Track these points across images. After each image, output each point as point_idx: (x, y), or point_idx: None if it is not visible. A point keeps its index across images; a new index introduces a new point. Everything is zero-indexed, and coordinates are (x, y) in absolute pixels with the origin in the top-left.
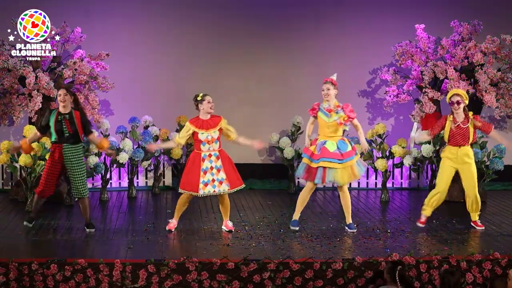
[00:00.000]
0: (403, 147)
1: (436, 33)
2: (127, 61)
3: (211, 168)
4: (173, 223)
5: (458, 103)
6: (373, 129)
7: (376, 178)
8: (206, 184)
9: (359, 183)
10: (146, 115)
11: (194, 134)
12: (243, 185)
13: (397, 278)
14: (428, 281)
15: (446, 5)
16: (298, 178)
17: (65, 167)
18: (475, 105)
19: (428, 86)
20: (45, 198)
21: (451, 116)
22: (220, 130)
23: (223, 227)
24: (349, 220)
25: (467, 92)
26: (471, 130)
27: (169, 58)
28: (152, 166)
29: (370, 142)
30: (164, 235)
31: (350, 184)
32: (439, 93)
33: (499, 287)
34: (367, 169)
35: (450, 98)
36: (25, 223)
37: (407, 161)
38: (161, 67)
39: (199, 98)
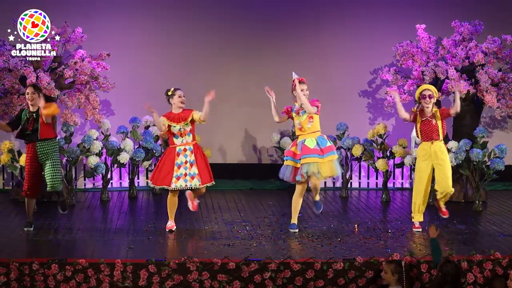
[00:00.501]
0: (403, 147)
1: (437, 33)
2: (128, 61)
3: (185, 162)
4: (170, 224)
5: (430, 97)
6: (374, 129)
7: (376, 178)
8: (178, 178)
9: (360, 183)
10: (146, 115)
11: (167, 128)
12: (213, 182)
13: (404, 276)
14: (429, 281)
15: (447, 5)
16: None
17: (41, 164)
18: (476, 105)
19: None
20: (34, 199)
21: (420, 110)
22: (192, 122)
23: (189, 204)
24: (316, 197)
25: (468, 92)
26: (439, 124)
27: (170, 58)
28: (153, 166)
29: (371, 142)
30: (165, 235)
31: (350, 184)
32: (440, 93)
33: (499, 287)
34: (368, 168)
35: (421, 92)
36: (25, 229)
37: (408, 161)
38: (162, 67)
39: (169, 93)
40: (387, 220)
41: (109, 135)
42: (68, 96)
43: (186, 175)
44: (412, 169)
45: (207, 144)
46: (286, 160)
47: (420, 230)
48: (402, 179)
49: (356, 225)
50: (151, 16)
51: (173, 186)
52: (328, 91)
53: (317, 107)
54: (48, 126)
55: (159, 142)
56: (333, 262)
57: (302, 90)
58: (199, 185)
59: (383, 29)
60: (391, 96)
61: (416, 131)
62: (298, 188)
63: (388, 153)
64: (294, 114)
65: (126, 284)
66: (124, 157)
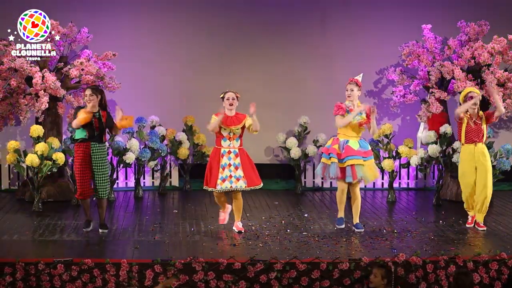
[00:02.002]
0: (409, 147)
1: (443, 33)
2: (133, 61)
3: (229, 165)
4: (222, 216)
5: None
6: (379, 130)
7: (382, 178)
8: (223, 180)
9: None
10: (152, 115)
11: (218, 128)
12: (261, 184)
13: (393, 281)
14: (434, 281)
15: (452, 5)
16: (324, 179)
17: (92, 165)
18: (482, 105)
19: (434, 86)
20: (87, 199)
21: (467, 113)
22: (243, 128)
23: (233, 227)
24: (356, 220)
25: None
26: (484, 127)
27: (176, 58)
28: (159, 166)
29: (377, 142)
30: (170, 235)
31: None
32: (446, 93)
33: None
34: None
35: (466, 94)
36: (84, 229)
37: (414, 161)
38: (168, 67)
39: (221, 96)
40: (393, 220)
41: (115, 135)
42: (74, 96)
43: (231, 177)
44: (418, 169)
45: (213, 144)
46: (331, 157)
47: (485, 229)
48: (408, 179)
49: (362, 225)
50: (157, 16)
51: (218, 188)
52: (333, 91)
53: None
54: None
55: (165, 142)
56: (338, 262)
57: (346, 90)
58: (245, 187)
59: (389, 29)
60: (396, 97)
61: (460, 133)
62: (343, 186)
63: (394, 153)
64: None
65: (132, 284)
66: (130, 157)
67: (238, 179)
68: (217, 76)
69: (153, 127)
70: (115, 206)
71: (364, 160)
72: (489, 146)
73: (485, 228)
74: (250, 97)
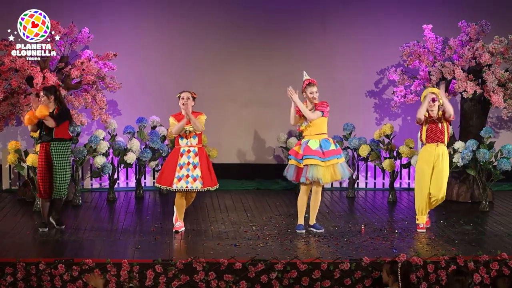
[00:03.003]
0: (410, 148)
1: (443, 34)
2: (134, 61)
3: (188, 163)
4: (178, 225)
5: (433, 100)
6: (380, 130)
7: (383, 179)
8: (180, 179)
9: (366, 183)
10: (153, 115)
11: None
12: (217, 186)
13: (399, 275)
14: (435, 281)
15: (453, 5)
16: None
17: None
18: (483, 105)
19: (435, 86)
20: (49, 199)
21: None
22: None
23: (174, 229)
24: (313, 221)
25: (475, 92)
26: (445, 126)
27: (177, 59)
28: (160, 166)
29: (377, 142)
30: (171, 235)
31: (356, 184)
32: (447, 94)
33: (501, 286)
34: (375, 169)
35: (425, 96)
36: (40, 229)
37: (415, 162)
38: (168, 67)
39: (177, 95)
40: (394, 220)
41: (116, 135)
42: (75, 96)
43: (188, 177)
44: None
45: (213, 144)
46: (290, 159)
47: (424, 231)
48: (409, 179)
49: (363, 226)
50: (157, 16)
51: (174, 186)
52: (334, 91)
53: (323, 111)
54: (63, 126)
55: (166, 142)
56: (339, 263)
57: (311, 93)
58: (201, 187)
59: (390, 29)
60: (397, 97)
61: (421, 133)
62: (303, 188)
63: (394, 153)
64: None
65: (132, 284)
66: (130, 157)
67: (195, 179)
68: (218, 76)
69: (154, 127)
70: (116, 207)
71: (321, 161)
72: (490, 146)
73: (424, 230)
74: (251, 97)
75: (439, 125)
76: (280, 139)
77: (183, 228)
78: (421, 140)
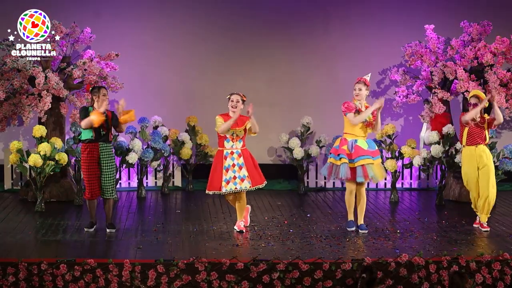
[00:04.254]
0: (412, 148)
1: (445, 34)
2: (136, 61)
3: (233, 165)
4: (242, 225)
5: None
6: (382, 130)
7: (385, 179)
8: (228, 182)
9: (368, 183)
10: (155, 115)
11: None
12: (265, 183)
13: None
14: (437, 281)
15: (455, 5)
16: (328, 179)
17: (100, 165)
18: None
19: (437, 86)
20: (95, 200)
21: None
22: (245, 130)
23: (234, 227)
24: (361, 220)
25: None
26: (486, 130)
27: (179, 59)
28: (162, 166)
29: (379, 142)
30: (173, 235)
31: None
32: (449, 94)
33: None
34: None
35: (470, 98)
36: (86, 229)
37: (417, 162)
38: (170, 67)
39: (227, 97)
40: (396, 220)
41: (118, 135)
42: (77, 96)
43: (235, 178)
44: (421, 169)
45: (215, 145)
46: (341, 158)
47: (488, 229)
48: (411, 179)
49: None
50: (159, 16)
51: (223, 190)
52: (336, 91)
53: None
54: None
55: (168, 142)
56: (341, 263)
57: (354, 90)
58: (250, 187)
59: (392, 29)
60: (399, 97)
61: (461, 134)
62: (351, 187)
63: (396, 154)
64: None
65: (134, 284)
66: (132, 157)
67: (242, 180)
68: (220, 76)
69: (156, 127)
70: (118, 207)
71: (373, 160)
72: (492, 146)
73: (488, 229)
74: (253, 97)
75: (481, 128)
76: (282, 139)
77: (243, 227)
78: (461, 142)
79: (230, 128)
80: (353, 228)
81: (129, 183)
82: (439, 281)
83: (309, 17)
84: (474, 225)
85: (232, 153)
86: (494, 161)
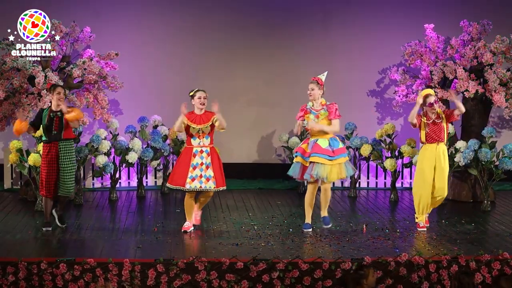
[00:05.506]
0: (412, 147)
1: (445, 33)
2: (136, 60)
3: (201, 164)
4: (187, 225)
5: (434, 103)
6: (382, 129)
7: (385, 178)
8: (193, 179)
9: (368, 183)
10: (155, 114)
11: (186, 127)
12: (225, 187)
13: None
14: (437, 281)
15: (455, 4)
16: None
17: (58, 164)
18: (485, 105)
19: (437, 86)
20: (51, 199)
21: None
22: (212, 126)
23: (184, 229)
24: (324, 213)
25: (477, 92)
26: (445, 125)
27: (178, 58)
28: (161, 165)
29: (379, 142)
30: (173, 235)
31: (358, 183)
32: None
33: (506, 285)
34: (376, 168)
35: (425, 100)
36: (44, 229)
37: (416, 161)
38: (170, 66)
39: (191, 94)
40: (396, 219)
41: (118, 134)
42: (77, 95)
43: (201, 177)
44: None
45: (215, 144)
46: (296, 156)
47: (425, 229)
48: (411, 178)
49: (364, 225)
50: (159, 15)
51: (187, 186)
52: (336, 91)
53: (338, 117)
54: (69, 126)
55: (168, 141)
56: (341, 262)
57: (308, 90)
58: (214, 187)
59: (391, 28)
60: (399, 96)
61: (421, 134)
62: (310, 188)
63: (396, 153)
64: (309, 115)
65: (134, 283)
66: (132, 157)
67: (208, 179)
68: (220, 75)
69: (155, 127)
70: (118, 206)
71: (330, 160)
72: (492, 145)
73: (425, 229)
74: (253, 96)
75: (439, 124)
76: (282, 138)
77: (192, 228)
78: (421, 141)
79: (182, 125)
80: (310, 230)
81: (129, 182)
82: (439, 281)
83: (309, 16)
84: (420, 229)
85: (201, 151)
86: (493, 160)
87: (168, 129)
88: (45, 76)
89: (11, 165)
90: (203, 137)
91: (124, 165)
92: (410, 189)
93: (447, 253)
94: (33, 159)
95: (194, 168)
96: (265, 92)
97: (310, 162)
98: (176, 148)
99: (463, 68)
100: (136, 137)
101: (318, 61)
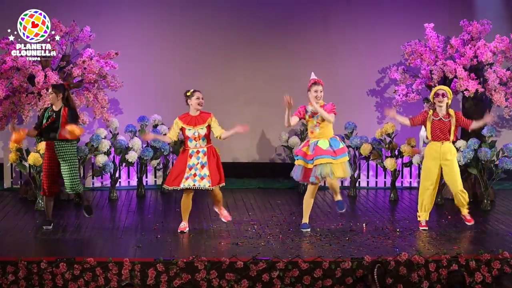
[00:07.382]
0: (412, 146)
1: (445, 32)
2: (136, 60)
3: (197, 163)
4: (183, 225)
5: (443, 95)
6: (382, 128)
7: (385, 177)
8: (187, 178)
9: (368, 182)
10: (155, 113)
11: (182, 130)
12: (223, 184)
13: (375, 278)
14: (437, 280)
15: (455, 4)
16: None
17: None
18: (484, 104)
19: (437, 85)
20: (52, 197)
21: (432, 111)
22: (208, 127)
23: (221, 217)
24: (337, 197)
25: (476, 91)
26: (453, 125)
27: (178, 57)
28: (161, 165)
29: (379, 141)
30: (173, 234)
31: (358, 183)
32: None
33: (509, 285)
34: (376, 167)
35: (435, 91)
36: (44, 227)
37: (416, 160)
38: (170, 66)
39: (188, 94)
40: (395, 219)
41: (117, 134)
42: (77, 95)
43: (195, 176)
44: (420, 168)
45: (215, 143)
46: (297, 159)
47: (427, 228)
48: (411, 178)
49: (364, 224)
50: (159, 15)
51: (181, 185)
52: (336, 90)
53: (335, 113)
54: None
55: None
56: (341, 261)
57: (316, 91)
58: (209, 186)
59: (391, 28)
60: (399, 95)
61: (427, 130)
62: (310, 188)
63: (396, 152)
64: (307, 117)
65: (133, 283)
66: (132, 156)
67: (202, 178)
68: (220, 75)
69: (155, 126)
70: (118, 205)
71: (333, 159)
72: (492, 145)
73: (472, 222)
74: (253, 95)
75: (446, 122)
76: (282, 138)
77: (188, 229)
78: (427, 137)
79: (178, 131)
80: (308, 229)
81: (128, 181)
82: (439, 280)
83: (309, 15)
84: (421, 228)
85: (198, 152)
86: (493, 160)
87: (168, 128)
88: (45, 75)
89: (11, 164)
90: (200, 139)
91: (124, 164)
92: (410, 188)
93: (447, 253)
94: (33, 158)
95: (190, 168)
96: (265, 91)
97: (315, 165)
98: (175, 147)
99: (463, 68)
100: (136, 136)
101: (318, 60)
